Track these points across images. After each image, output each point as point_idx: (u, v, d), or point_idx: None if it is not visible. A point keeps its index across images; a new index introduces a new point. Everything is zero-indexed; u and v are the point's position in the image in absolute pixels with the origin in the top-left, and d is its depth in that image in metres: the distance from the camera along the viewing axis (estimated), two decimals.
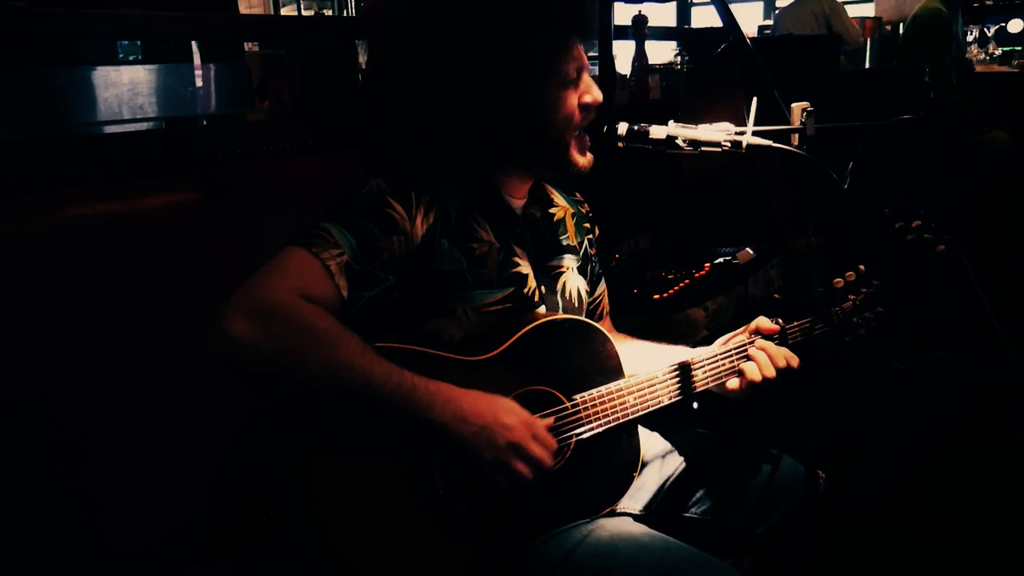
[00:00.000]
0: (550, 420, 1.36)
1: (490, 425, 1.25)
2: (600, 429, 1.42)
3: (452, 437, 1.24)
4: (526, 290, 1.47)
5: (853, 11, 6.30)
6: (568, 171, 1.47)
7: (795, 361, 1.53)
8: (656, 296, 2.40)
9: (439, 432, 1.24)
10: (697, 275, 2.54)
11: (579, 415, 1.40)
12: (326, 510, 1.22)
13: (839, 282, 1.67)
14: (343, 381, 1.19)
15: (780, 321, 1.58)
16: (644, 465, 1.56)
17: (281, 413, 1.24)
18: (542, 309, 1.49)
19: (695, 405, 1.53)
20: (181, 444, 1.55)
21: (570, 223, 1.65)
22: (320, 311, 1.20)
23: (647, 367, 1.52)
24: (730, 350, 1.54)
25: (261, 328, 1.16)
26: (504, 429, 1.26)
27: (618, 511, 1.50)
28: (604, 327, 1.72)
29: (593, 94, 1.45)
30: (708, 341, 1.64)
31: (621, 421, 1.44)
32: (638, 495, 1.58)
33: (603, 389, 1.43)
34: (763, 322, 1.57)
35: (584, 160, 1.47)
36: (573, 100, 1.42)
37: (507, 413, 1.28)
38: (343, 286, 1.25)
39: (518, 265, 1.47)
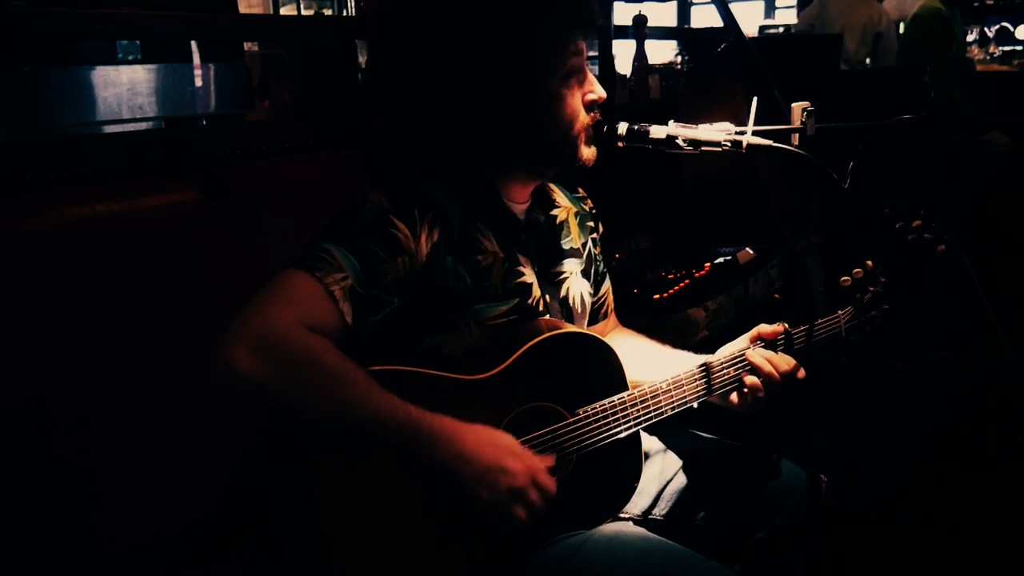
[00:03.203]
0: (550, 460, 1.32)
1: (492, 469, 1.23)
2: (603, 443, 1.41)
3: (452, 475, 1.22)
4: (531, 300, 1.45)
5: None
6: (574, 166, 1.44)
7: (795, 365, 1.51)
8: (656, 296, 2.40)
9: (439, 469, 1.22)
10: (697, 275, 2.54)
11: (581, 429, 1.39)
12: (326, 518, 1.21)
13: (847, 280, 1.64)
14: (348, 418, 1.18)
15: (786, 326, 1.55)
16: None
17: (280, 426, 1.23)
18: (547, 318, 1.48)
19: (694, 405, 1.52)
20: (181, 446, 1.55)
21: (573, 223, 1.62)
22: (327, 345, 1.18)
23: (649, 370, 1.51)
24: (734, 359, 1.51)
25: (266, 362, 1.13)
26: (505, 475, 1.23)
27: (619, 516, 1.50)
28: (608, 324, 1.72)
29: (597, 91, 1.42)
30: (708, 341, 1.64)
31: (624, 434, 1.43)
32: (637, 500, 1.56)
33: (606, 402, 1.41)
34: (764, 328, 1.55)
35: (589, 153, 1.45)
36: (577, 96, 1.40)
37: (510, 456, 1.25)
38: (347, 312, 1.22)
39: (522, 275, 1.45)
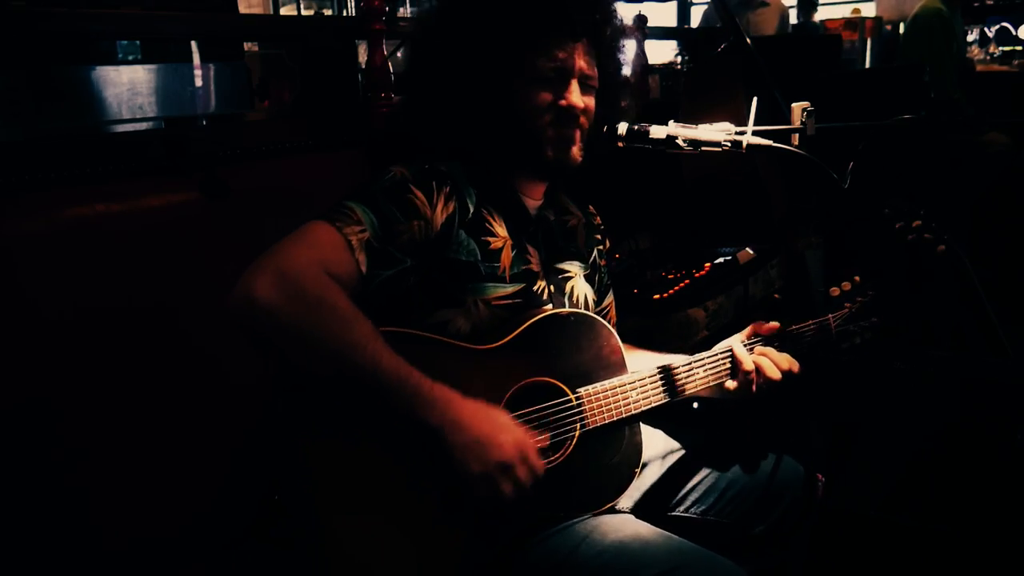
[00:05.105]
0: (545, 439, 1.36)
1: (484, 439, 1.25)
2: (602, 423, 1.43)
3: (445, 442, 1.24)
4: (536, 288, 1.49)
5: (851, 10, 6.26)
6: (540, 165, 1.48)
7: (796, 366, 1.54)
8: (656, 296, 2.40)
9: (433, 434, 1.24)
10: (697, 275, 2.54)
11: (582, 408, 1.41)
12: (329, 496, 1.24)
13: (835, 291, 1.68)
14: (352, 362, 1.21)
15: (779, 325, 1.57)
16: (644, 464, 1.56)
17: (289, 387, 1.25)
18: (550, 307, 1.50)
19: (695, 405, 1.53)
20: (181, 443, 1.55)
21: (582, 233, 1.68)
22: (340, 290, 1.24)
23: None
24: (729, 350, 1.54)
25: (284, 294, 1.19)
26: (496, 447, 1.25)
27: (618, 509, 1.50)
28: None
29: (569, 99, 1.44)
30: (708, 341, 1.64)
31: (623, 416, 1.45)
32: (638, 494, 1.58)
33: (606, 384, 1.44)
34: (760, 326, 1.59)
35: (559, 154, 1.46)
36: (543, 96, 1.44)
37: (503, 431, 1.27)
38: (362, 262, 1.28)
39: (529, 263, 1.49)
